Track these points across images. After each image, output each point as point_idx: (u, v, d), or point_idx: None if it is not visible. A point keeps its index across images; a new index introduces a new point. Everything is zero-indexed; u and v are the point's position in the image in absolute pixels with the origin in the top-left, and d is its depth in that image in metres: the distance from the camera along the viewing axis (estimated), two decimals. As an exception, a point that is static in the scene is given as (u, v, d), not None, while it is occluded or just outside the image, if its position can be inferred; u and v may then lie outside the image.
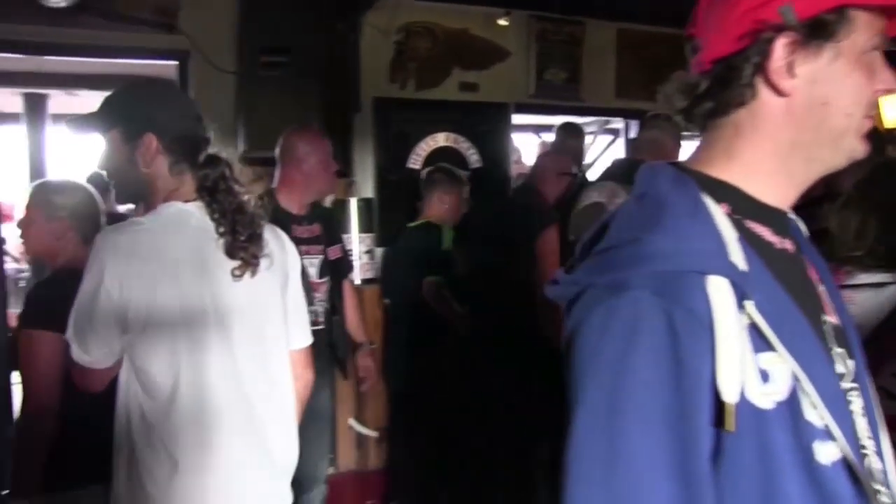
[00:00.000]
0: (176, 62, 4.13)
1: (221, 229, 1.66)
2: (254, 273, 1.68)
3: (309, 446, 2.83)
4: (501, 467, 3.54)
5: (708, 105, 0.94)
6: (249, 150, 3.84)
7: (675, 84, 0.97)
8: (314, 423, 2.83)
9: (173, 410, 1.61)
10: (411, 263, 3.80)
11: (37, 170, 5.23)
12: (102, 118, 1.74)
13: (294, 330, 1.87)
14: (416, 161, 4.54)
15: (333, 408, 3.49)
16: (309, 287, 2.71)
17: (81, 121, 1.79)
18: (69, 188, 2.32)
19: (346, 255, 3.33)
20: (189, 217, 1.67)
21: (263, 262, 1.71)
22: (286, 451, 1.83)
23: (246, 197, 1.73)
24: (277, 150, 3.04)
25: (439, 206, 3.85)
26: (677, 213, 0.87)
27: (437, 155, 4.55)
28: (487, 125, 4.71)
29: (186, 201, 1.69)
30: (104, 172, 1.79)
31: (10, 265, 4.56)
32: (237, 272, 1.65)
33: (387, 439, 4.31)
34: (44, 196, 2.26)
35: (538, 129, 6.51)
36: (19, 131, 5.38)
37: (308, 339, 1.94)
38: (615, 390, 0.80)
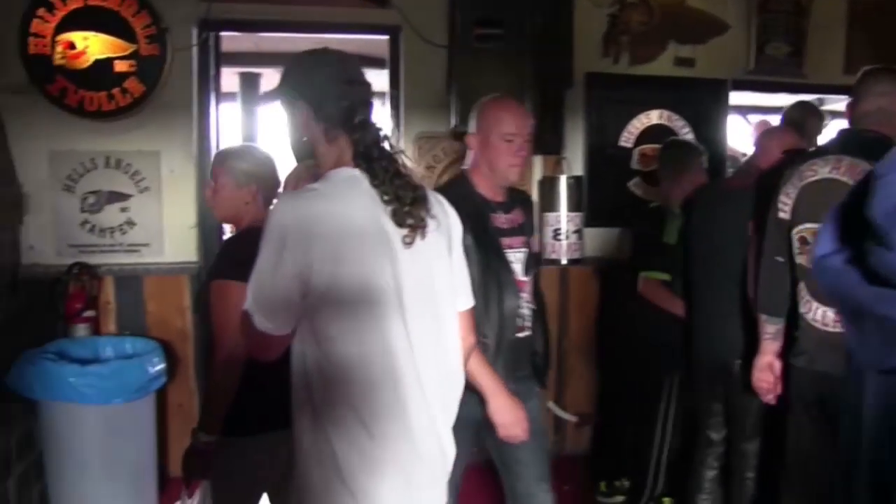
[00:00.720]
0: (387, 37, 4.17)
1: (386, 197, 1.65)
2: (423, 236, 1.68)
3: (527, 469, 2.54)
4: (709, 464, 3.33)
5: None
6: (461, 124, 3.80)
7: None
8: (529, 442, 2.41)
9: (357, 374, 1.62)
10: (634, 253, 3.67)
11: (250, 145, 5.50)
12: (275, 90, 1.81)
13: (459, 291, 1.86)
14: (627, 139, 4.37)
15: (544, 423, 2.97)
16: (515, 287, 2.47)
17: (266, 95, 1.89)
18: (252, 154, 2.44)
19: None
20: (359, 182, 1.67)
21: (431, 224, 1.71)
22: (451, 413, 1.82)
23: (401, 161, 1.73)
24: (472, 123, 2.54)
25: (674, 187, 3.59)
26: None
27: (650, 133, 4.35)
28: (703, 103, 4.44)
29: (354, 167, 1.71)
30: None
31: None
32: (407, 239, 1.65)
33: (590, 424, 4.22)
34: (231, 164, 2.37)
35: (746, 110, 6.11)
36: (235, 109, 5.66)
37: (470, 301, 1.92)
38: None
